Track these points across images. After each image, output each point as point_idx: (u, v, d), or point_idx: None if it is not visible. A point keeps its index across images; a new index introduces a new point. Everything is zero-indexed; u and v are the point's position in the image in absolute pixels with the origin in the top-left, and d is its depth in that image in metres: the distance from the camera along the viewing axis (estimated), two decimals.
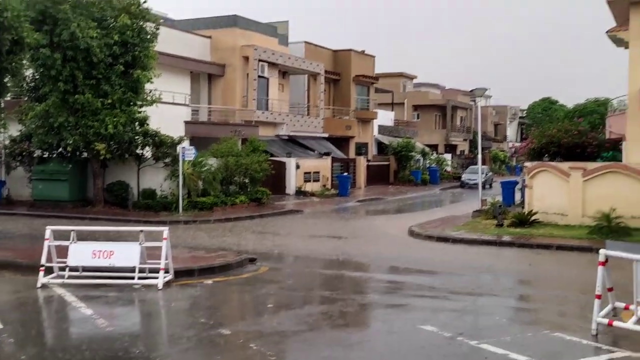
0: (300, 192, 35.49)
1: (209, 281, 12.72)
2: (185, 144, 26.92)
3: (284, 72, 41.47)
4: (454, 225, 22.47)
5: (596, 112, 47.28)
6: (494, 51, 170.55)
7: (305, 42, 44.41)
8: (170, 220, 22.47)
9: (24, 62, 21.11)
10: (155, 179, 26.43)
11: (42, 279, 11.80)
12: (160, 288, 11.67)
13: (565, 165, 22.03)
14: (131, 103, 25.07)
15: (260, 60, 37.14)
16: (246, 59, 36.85)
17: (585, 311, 9.99)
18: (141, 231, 12.35)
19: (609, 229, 18.83)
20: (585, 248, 17.50)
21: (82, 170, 26.94)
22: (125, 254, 12.11)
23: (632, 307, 8.95)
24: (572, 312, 10.73)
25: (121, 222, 22.24)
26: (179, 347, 8.50)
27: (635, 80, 22.99)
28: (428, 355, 8.24)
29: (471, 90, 32.32)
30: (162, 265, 11.93)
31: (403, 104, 64.92)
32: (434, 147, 62.82)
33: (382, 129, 53.99)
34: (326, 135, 44.30)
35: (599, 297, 8.75)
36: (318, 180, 37.80)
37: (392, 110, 59.90)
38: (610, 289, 9.14)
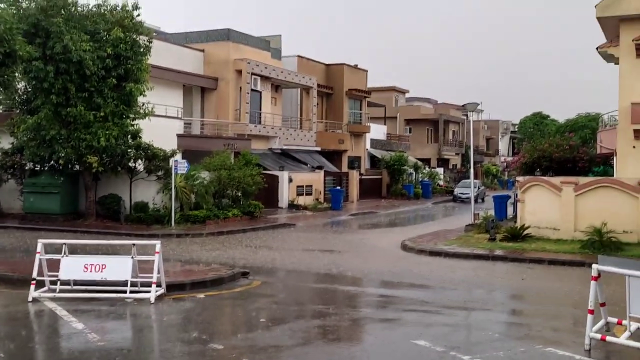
0: (292, 206, 35.48)
1: (201, 295, 12.65)
2: (178, 157, 26.89)
3: (277, 86, 41.57)
4: (447, 239, 22.50)
5: (587, 127, 47.57)
6: (485, 66, 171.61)
7: (298, 56, 44.56)
8: (162, 234, 22.40)
9: (16, 74, 21.11)
10: (147, 192, 26.36)
11: (33, 292, 11.71)
12: (152, 302, 11.61)
13: (557, 180, 22.12)
14: (124, 116, 25.05)
15: (253, 74, 37.23)
16: (239, 72, 36.93)
17: (578, 326, 10.00)
18: (133, 245, 12.30)
19: (601, 243, 18.89)
20: (577, 263, 17.55)
21: (74, 183, 26.84)
22: (117, 267, 12.03)
23: (624, 322, 8.95)
24: (565, 327, 10.73)
25: (113, 235, 22.18)
26: None
27: (625, 95, 23.20)
28: None
29: (463, 105, 32.45)
30: (154, 279, 11.87)
31: (395, 118, 65.15)
32: (426, 161, 63.01)
33: (375, 143, 54.12)
34: (319, 148, 44.35)
35: (591, 312, 8.75)
36: (311, 194, 37.81)
37: (385, 124, 60.08)
38: (602, 304, 9.15)
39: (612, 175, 24.76)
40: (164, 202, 26.11)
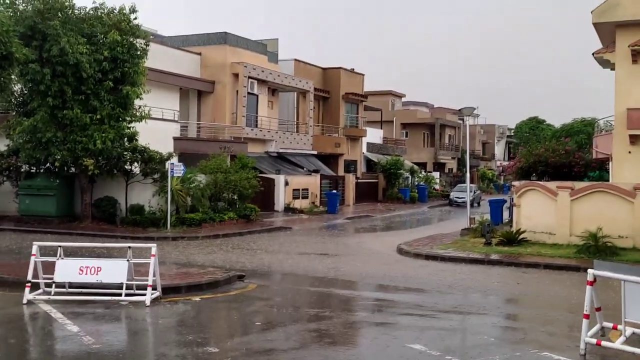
0: (289, 209, 35.48)
1: (197, 298, 12.64)
2: (174, 160, 26.87)
3: (274, 90, 41.59)
4: (443, 243, 22.51)
5: (583, 132, 47.63)
6: (482, 70, 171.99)
7: (295, 60, 44.61)
8: (158, 237, 22.37)
9: (13, 77, 21.12)
10: (143, 195, 26.33)
11: (28, 295, 11.68)
12: (147, 305, 11.58)
13: (553, 185, 22.17)
14: (120, 119, 25.05)
15: (249, 78, 37.25)
16: (236, 75, 36.95)
17: (573, 331, 10.01)
18: (129, 247, 12.28)
19: (596, 248, 18.92)
20: (572, 267, 17.58)
21: (70, 186, 26.80)
22: (112, 270, 12.00)
23: (620, 327, 8.96)
24: (560, 332, 10.74)
25: (109, 238, 22.18)
26: None
27: (621, 101, 23.29)
28: None
29: (459, 109, 32.51)
30: (150, 282, 11.85)
31: (392, 122, 65.23)
32: (422, 165, 63.06)
33: (371, 147, 54.17)
34: (315, 152, 44.37)
35: (587, 316, 8.76)
36: (307, 197, 37.81)
37: (381, 128, 60.16)
38: (598, 309, 9.16)
39: (608, 180, 24.84)
40: (160, 205, 26.08)
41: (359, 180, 47.05)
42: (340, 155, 47.70)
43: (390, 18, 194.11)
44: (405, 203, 47.19)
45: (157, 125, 29.08)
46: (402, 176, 50.21)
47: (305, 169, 40.98)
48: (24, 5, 23.44)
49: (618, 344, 8.75)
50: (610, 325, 9.29)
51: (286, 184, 35.96)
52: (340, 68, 48.61)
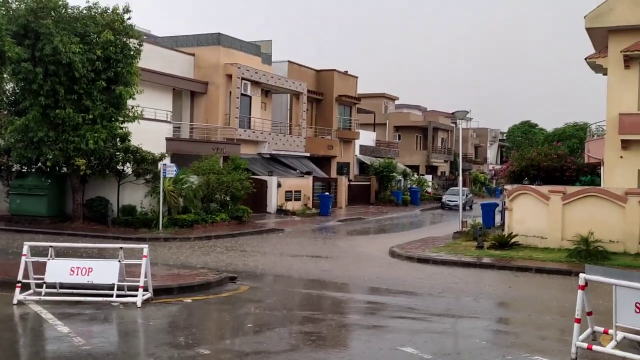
0: (281, 211, 35.45)
1: (189, 299, 12.60)
2: (167, 160, 26.80)
3: (267, 91, 41.56)
4: (435, 246, 22.54)
5: (575, 136, 47.92)
6: (475, 74, 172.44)
7: (289, 62, 44.61)
8: (150, 237, 22.32)
9: (5, 75, 20.98)
10: (135, 196, 26.25)
11: (18, 295, 11.61)
12: (139, 306, 11.54)
13: (545, 189, 22.23)
14: (112, 119, 24.97)
15: (243, 79, 37.20)
16: (229, 77, 36.91)
17: (564, 335, 10.03)
18: (121, 248, 12.23)
19: (588, 252, 18.99)
20: (564, 271, 17.63)
21: (62, 186, 26.68)
22: (104, 271, 11.95)
23: (611, 331, 8.98)
24: (551, 336, 10.76)
25: (100, 238, 22.09)
26: None
27: (613, 106, 23.38)
28: None
29: (452, 113, 32.60)
30: (141, 283, 11.80)
31: (385, 124, 65.30)
32: (415, 168, 63.15)
33: (364, 149, 54.20)
34: (308, 154, 44.35)
35: (578, 321, 8.77)
36: (299, 199, 37.78)
37: (374, 130, 60.22)
38: (589, 313, 9.17)
39: (599, 185, 24.92)
40: (151, 205, 26.00)
41: (351, 183, 47.06)
42: (333, 158, 47.71)
43: (383, 22, 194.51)
44: (397, 206, 47.23)
45: (149, 125, 29.02)
46: (394, 179, 50.26)
47: (297, 170, 40.95)
48: (16, 3, 23.36)
49: (609, 348, 8.77)
50: (602, 329, 9.31)
51: (279, 185, 35.93)
52: (333, 70, 48.65)
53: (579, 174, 28.87)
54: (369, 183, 49.77)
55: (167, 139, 31.22)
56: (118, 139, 25.59)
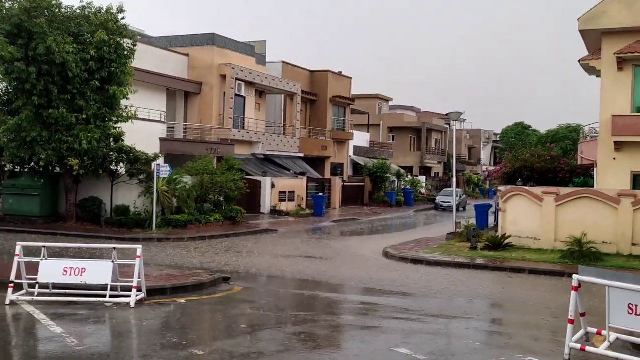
0: (275, 212, 35.42)
1: (182, 300, 12.57)
2: (160, 161, 26.76)
3: (261, 92, 41.54)
4: (428, 247, 22.57)
5: (568, 138, 47.98)
6: (470, 75, 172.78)
7: (283, 62, 44.59)
8: (143, 238, 22.27)
9: None
10: (129, 196, 26.18)
11: (10, 295, 11.57)
12: (132, 307, 11.51)
13: (538, 190, 22.28)
14: (106, 119, 24.89)
15: (237, 79, 37.17)
16: (223, 77, 36.86)
17: (557, 336, 10.06)
18: (114, 248, 12.19)
19: (581, 253, 19.05)
20: (557, 272, 17.68)
21: (55, 186, 26.59)
22: (97, 271, 11.92)
23: (604, 332, 9.01)
24: (544, 337, 10.78)
25: (93, 238, 22.02)
26: None
27: (606, 108, 23.45)
28: None
29: (447, 114, 32.63)
30: (134, 284, 11.77)
31: (379, 125, 65.34)
32: (408, 169, 63.21)
33: (358, 150, 54.23)
34: (302, 155, 44.33)
35: (571, 322, 8.80)
36: (293, 200, 37.76)
37: (368, 131, 60.23)
38: (582, 314, 9.21)
39: (593, 186, 24.99)
40: (145, 206, 25.94)
41: (345, 184, 47.08)
42: (327, 158, 47.72)
43: (378, 24, 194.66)
44: (391, 207, 47.26)
45: (143, 125, 28.96)
46: (388, 180, 50.30)
47: (291, 171, 40.94)
48: (10, 3, 23.27)
49: (602, 349, 8.79)
50: (595, 330, 9.34)
51: (273, 186, 35.91)
52: (328, 71, 48.64)
53: (572, 175, 28.96)
54: (362, 184, 49.80)
55: (161, 139, 31.16)
56: (112, 139, 25.53)
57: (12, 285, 11.63)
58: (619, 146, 23.19)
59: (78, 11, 24.74)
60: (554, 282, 16.78)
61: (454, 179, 29.79)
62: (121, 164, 26.12)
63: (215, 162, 31.35)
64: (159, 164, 25.24)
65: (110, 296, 11.80)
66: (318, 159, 46.70)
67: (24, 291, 11.97)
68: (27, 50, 23.02)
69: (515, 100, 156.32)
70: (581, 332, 9.27)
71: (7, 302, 11.45)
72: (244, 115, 38.92)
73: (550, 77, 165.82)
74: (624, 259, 19.62)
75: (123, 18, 25.00)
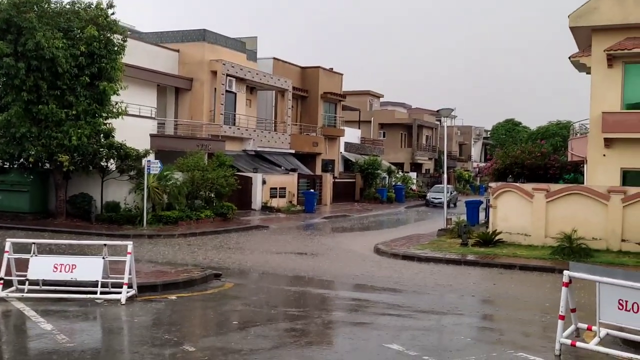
0: (266, 208, 35.39)
1: (173, 297, 12.54)
2: (151, 157, 26.65)
3: (252, 88, 41.46)
4: (419, 243, 22.61)
5: (558, 134, 48.20)
6: (460, 72, 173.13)
7: (274, 58, 44.51)
8: (134, 234, 22.18)
9: None
10: (119, 192, 26.08)
11: (0, 292, 11.50)
12: (123, 303, 11.47)
13: (528, 187, 22.37)
14: (96, 115, 24.77)
15: (228, 75, 37.08)
16: (214, 73, 36.76)
17: (548, 331, 10.10)
18: (105, 245, 12.14)
19: (571, 249, 19.14)
20: (547, 268, 17.76)
21: (44, 182, 26.46)
22: (87, 268, 11.86)
23: (594, 328, 9.05)
24: (535, 332, 10.83)
25: (84, 235, 21.93)
26: None
27: (596, 105, 23.54)
28: None
29: (437, 111, 32.72)
30: (125, 280, 11.72)
31: (370, 122, 65.35)
32: (399, 166, 63.28)
33: (349, 147, 54.24)
34: (293, 151, 44.32)
35: (562, 317, 8.84)
36: (284, 196, 37.75)
37: (359, 128, 60.25)
38: (573, 310, 9.24)
39: (583, 183, 25.11)
40: (136, 202, 25.85)
41: (336, 180, 47.10)
42: (318, 155, 47.71)
43: (370, 20, 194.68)
44: (382, 203, 47.32)
45: (134, 122, 28.85)
46: (379, 176, 50.36)
47: (282, 167, 40.91)
48: None
49: (592, 344, 8.84)
50: (585, 326, 9.39)
51: (263, 182, 35.87)
52: (319, 67, 48.60)
53: (562, 172, 29.07)
54: (354, 180, 49.83)
55: (152, 136, 31.05)
56: (102, 135, 25.42)
57: (1, 282, 11.57)
58: (608, 143, 23.29)
59: (67, 6, 24.61)
60: (544, 278, 16.86)
61: (445, 176, 29.86)
62: (111, 160, 26.01)
63: (206, 158, 31.28)
64: (149, 160, 25.16)
65: (101, 293, 11.75)
66: (309, 155, 46.68)
67: (13, 288, 11.90)
68: (16, 45, 22.88)
69: (505, 97, 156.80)
70: (572, 328, 9.31)
71: None
72: (234, 111, 38.84)
73: (540, 74, 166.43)
74: (613, 254, 19.75)
75: (113, 13, 24.92)
